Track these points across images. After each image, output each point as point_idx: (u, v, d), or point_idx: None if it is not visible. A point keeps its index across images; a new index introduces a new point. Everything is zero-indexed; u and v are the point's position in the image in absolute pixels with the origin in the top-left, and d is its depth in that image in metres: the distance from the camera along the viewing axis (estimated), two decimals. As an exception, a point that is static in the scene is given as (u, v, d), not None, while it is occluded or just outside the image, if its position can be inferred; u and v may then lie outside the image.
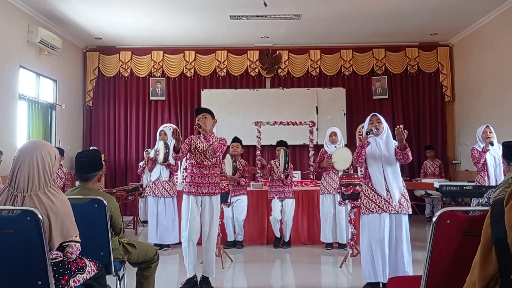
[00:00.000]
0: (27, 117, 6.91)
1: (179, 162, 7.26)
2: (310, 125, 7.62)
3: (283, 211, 5.61)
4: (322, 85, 8.94)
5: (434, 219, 1.81)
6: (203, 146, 3.80)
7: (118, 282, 2.86)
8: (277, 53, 8.93)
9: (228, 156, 5.35)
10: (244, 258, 5.16)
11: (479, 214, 1.89)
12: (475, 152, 4.98)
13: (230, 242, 5.70)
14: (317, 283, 4.08)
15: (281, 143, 5.75)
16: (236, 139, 5.78)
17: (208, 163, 3.81)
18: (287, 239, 5.70)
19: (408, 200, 3.64)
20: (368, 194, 3.63)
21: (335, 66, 8.92)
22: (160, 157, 5.43)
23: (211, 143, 3.71)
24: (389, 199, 3.53)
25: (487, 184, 4.78)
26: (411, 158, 3.55)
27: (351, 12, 7.13)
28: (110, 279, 2.62)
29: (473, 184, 5.05)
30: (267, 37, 8.51)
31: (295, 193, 5.84)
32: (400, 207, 3.52)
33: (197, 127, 3.74)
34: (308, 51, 8.93)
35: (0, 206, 1.99)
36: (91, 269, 2.28)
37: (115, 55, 8.92)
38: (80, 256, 2.22)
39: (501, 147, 4.93)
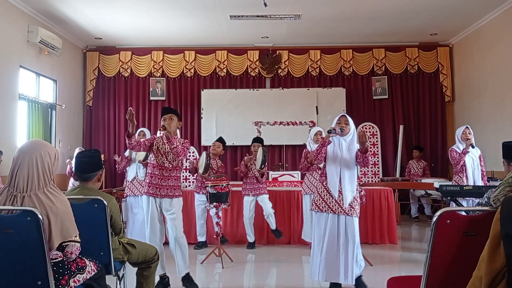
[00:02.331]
0: (27, 117, 6.91)
1: None
2: (310, 125, 7.65)
3: (262, 207, 5.53)
4: (322, 85, 8.93)
5: (434, 219, 1.81)
6: (165, 148, 3.77)
7: (118, 282, 2.87)
8: (277, 53, 8.92)
9: (204, 154, 5.33)
10: (244, 259, 5.16)
11: (479, 214, 1.90)
12: (455, 153, 4.99)
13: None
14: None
15: (258, 140, 5.73)
16: (220, 139, 5.77)
17: (169, 166, 3.79)
18: (274, 227, 5.57)
19: (359, 204, 3.69)
20: (321, 192, 3.66)
21: (335, 66, 8.92)
22: (140, 155, 5.46)
23: (175, 146, 3.69)
24: (340, 201, 3.57)
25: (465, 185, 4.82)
26: (370, 162, 3.55)
27: (351, 12, 7.13)
28: (110, 279, 2.62)
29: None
30: (267, 37, 8.51)
31: (293, 193, 5.82)
32: (350, 210, 3.56)
33: (161, 128, 3.73)
34: (308, 51, 8.92)
35: (0, 206, 1.99)
36: (91, 269, 2.28)
37: (115, 55, 8.92)
38: (80, 256, 2.22)
39: (478, 149, 5.00)
